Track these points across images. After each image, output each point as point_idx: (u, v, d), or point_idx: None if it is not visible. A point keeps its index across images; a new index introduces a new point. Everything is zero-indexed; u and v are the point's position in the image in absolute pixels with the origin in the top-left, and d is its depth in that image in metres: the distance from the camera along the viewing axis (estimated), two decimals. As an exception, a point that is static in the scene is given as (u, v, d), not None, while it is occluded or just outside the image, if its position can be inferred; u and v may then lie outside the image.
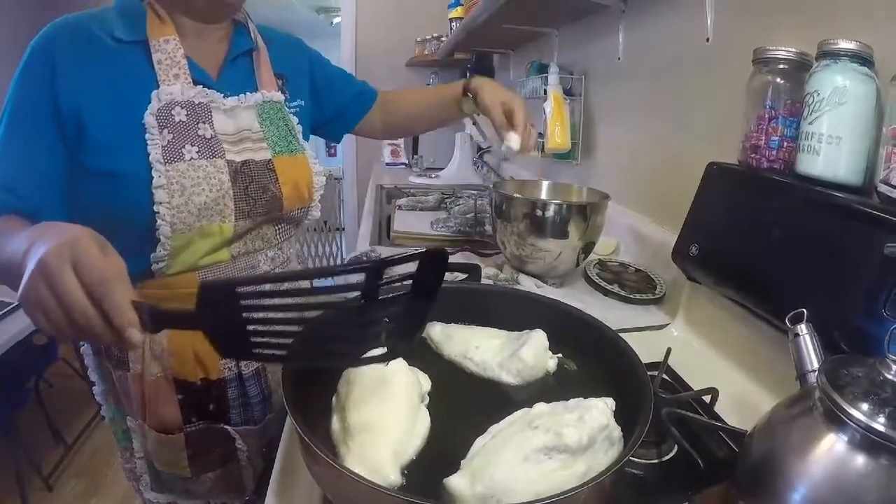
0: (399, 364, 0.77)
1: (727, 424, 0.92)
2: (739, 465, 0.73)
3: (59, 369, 3.19)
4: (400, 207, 2.42)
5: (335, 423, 0.71)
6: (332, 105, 1.39)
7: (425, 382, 0.80)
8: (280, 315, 0.63)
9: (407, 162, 3.96)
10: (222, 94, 1.05)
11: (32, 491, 2.75)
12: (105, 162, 0.97)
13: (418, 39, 4.16)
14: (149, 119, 0.96)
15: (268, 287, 0.64)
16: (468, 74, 3.71)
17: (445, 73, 4.25)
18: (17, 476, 2.67)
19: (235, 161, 1.04)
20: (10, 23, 3.69)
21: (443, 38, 3.71)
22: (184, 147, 0.98)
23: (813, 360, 0.77)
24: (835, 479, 0.61)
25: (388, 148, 3.96)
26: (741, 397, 1.04)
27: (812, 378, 0.75)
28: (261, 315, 0.61)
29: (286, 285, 0.63)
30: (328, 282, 0.61)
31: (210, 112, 1.03)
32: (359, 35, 4.37)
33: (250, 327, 0.62)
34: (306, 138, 1.24)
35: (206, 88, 1.03)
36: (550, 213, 1.41)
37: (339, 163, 5.31)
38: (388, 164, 3.92)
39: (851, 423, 0.60)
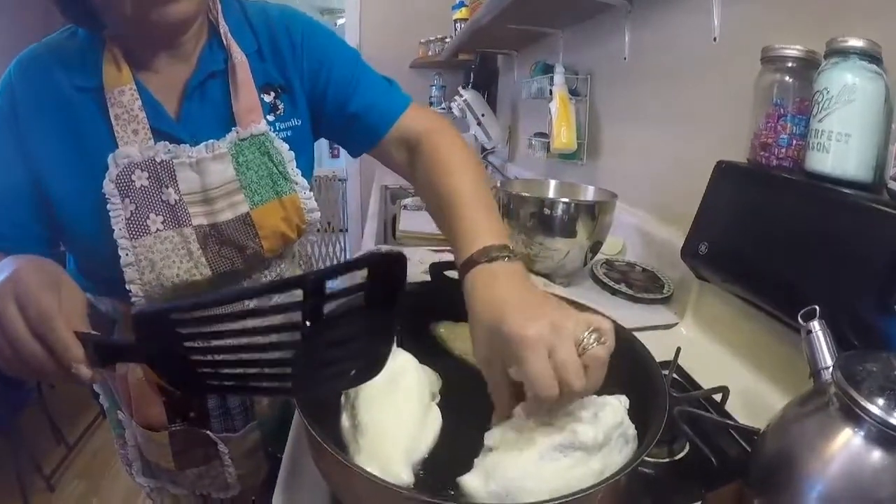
0: (409, 362, 0.76)
1: (739, 423, 0.92)
2: (753, 463, 0.73)
3: (62, 370, 3.18)
4: (405, 207, 2.41)
5: (345, 421, 0.70)
6: (336, 117, 1.10)
7: (436, 380, 0.79)
8: (223, 343, 0.58)
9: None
10: (187, 144, 0.95)
11: (34, 491, 2.74)
12: (70, 227, 0.95)
13: (422, 41, 4.15)
14: (108, 187, 0.90)
15: (206, 313, 0.56)
16: (472, 76, 3.73)
17: (449, 74, 4.25)
18: (18, 476, 2.66)
19: (204, 225, 0.96)
20: (11, 23, 3.68)
21: (447, 40, 3.71)
22: (148, 217, 0.92)
23: (826, 356, 0.76)
24: (851, 475, 0.60)
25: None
26: (752, 396, 1.03)
27: (826, 375, 0.74)
28: (204, 344, 0.58)
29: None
30: (337, 283, 0.56)
31: (174, 171, 0.93)
32: (363, 37, 4.37)
33: (194, 357, 0.57)
34: (305, 161, 1.07)
35: (167, 143, 0.93)
36: (559, 211, 1.40)
37: (341, 163, 5.31)
38: (392, 165, 3.89)
39: (868, 419, 0.59)
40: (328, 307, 0.54)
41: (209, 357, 0.58)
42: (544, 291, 0.71)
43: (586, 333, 0.63)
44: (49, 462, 2.92)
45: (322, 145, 5.46)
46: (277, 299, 0.54)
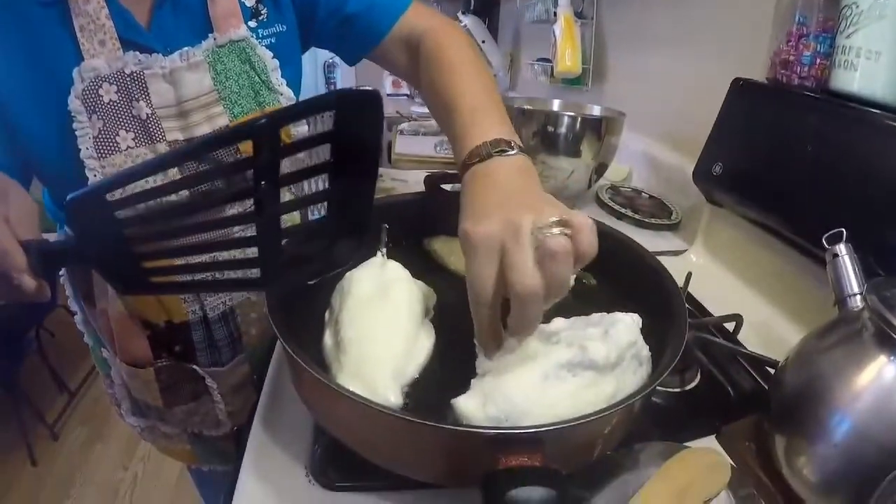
0: (400, 273, 0.70)
1: (756, 353, 0.88)
2: (773, 395, 0.70)
3: (60, 317, 3.16)
4: (401, 132, 2.33)
5: (327, 339, 0.64)
6: (331, 19, 1.03)
7: (430, 295, 0.73)
8: (168, 227, 0.51)
9: (409, 93, 3.85)
10: (159, 53, 0.88)
11: (38, 440, 2.77)
12: (36, 151, 0.89)
13: (420, -34, 4.02)
14: (74, 104, 0.84)
15: (141, 186, 0.49)
16: (471, 2, 3.60)
17: (447, 1, 4.14)
18: (21, 426, 2.69)
19: (179, 140, 0.90)
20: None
21: (445, -36, 3.59)
22: (118, 134, 0.86)
23: (853, 283, 0.73)
24: (885, 405, 0.58)
25: (390, 79, 3.85)
26: (764, 326, 1.00)
27: (853, 302, 0.71)
28: (145, 231, 0.51)
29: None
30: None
31: (145, 83, 0.87)
32: (359, -39, 4.23)
33: (141, 250, 0.51)
34: (291, 71, 1.01)
35: (137, 53, 0.86)
36: (563, 128, 1.33)
37: (339, 95, 5.22)
38: (389, 95, 3.82)
39: (907, 345, 0.57)
40: (287, 165, 0.45)
41: (157, 247, 0.52)
42: (539, 188, 0.61)
43: (547, 227, 0.53)
44: (52, 411, 2.95)
45: (319, 78, 5.36)
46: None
